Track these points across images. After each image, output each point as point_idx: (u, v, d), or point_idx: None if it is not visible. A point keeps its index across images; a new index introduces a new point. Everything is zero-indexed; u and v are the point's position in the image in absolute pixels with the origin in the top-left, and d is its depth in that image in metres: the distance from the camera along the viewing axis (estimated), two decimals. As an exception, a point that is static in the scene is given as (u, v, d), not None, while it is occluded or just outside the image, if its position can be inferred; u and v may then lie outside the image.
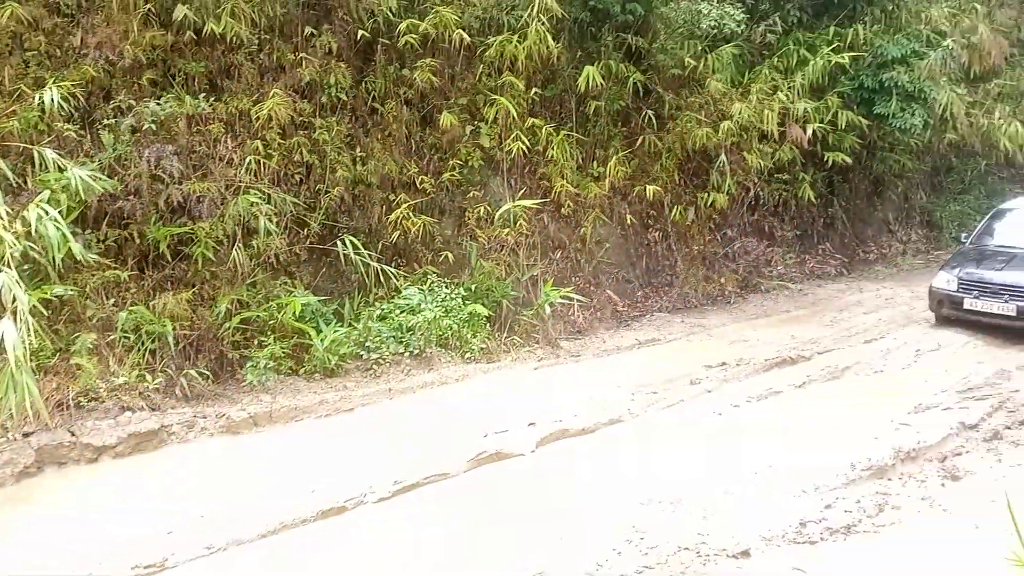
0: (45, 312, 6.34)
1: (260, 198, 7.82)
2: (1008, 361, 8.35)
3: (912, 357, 8.70)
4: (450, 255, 9.09)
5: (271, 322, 7.74)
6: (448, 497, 5.43)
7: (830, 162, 12.07)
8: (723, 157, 11.13)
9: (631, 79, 10.57)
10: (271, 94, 8.08)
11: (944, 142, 14.18)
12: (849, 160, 12.21)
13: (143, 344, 7.02)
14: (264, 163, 8.07)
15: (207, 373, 7.30)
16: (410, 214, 8.77)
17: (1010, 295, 9.13)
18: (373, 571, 4.53)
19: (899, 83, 11.83)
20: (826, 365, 8.42)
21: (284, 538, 4.89)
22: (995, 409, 6.92)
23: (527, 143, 9.55)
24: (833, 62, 11.50)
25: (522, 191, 9.83)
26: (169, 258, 7.56)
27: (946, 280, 9.81)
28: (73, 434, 6.01)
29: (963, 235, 11.13)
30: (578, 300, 9.78)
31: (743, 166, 11.43)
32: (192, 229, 7.55)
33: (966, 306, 9.44)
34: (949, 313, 9.71)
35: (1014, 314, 9.02)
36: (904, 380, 7.97)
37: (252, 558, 4.68)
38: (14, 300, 5.55)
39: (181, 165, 7.60)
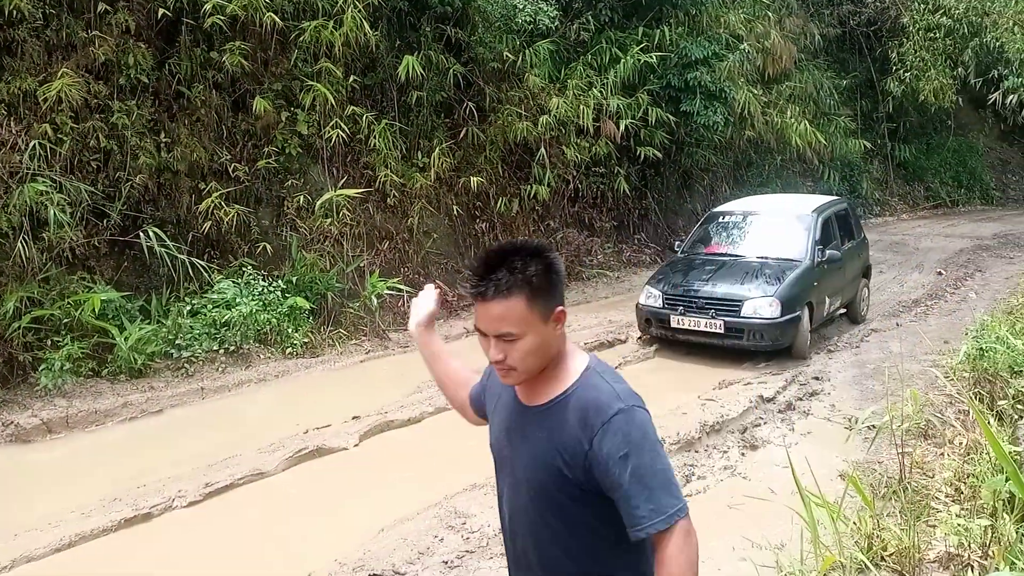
0: None
1: (50, 186, 7.16)
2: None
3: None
4: (268, 246, 8.72)
5: (67, 320, 7.12)
6: (263, 497, 5.24)
7: (642, 157, 12.70)
8: (543, 150, 11.44)
9: (452, 70, 10.62)
10: (60, 74, 7.40)
11: (744, 139, 15.28)
12: (660, 155, 12.89)
13: (-90, 349, 6.27)
14: (54, 149, 7.39)
15: (-8, 378, 6.63)
16: (223, 203, 8.31)
17: (716, 310, 8.21)
18: (177, 573, 4.29)
19: (702, 82, 12.63)
20: (640, 347, 8.87)
21: (82, 551, 4.53)
22: (788, 383, 7.54)
23: (347, 131, 9.33)
24: (643, 61, 12.10)
25: (344, 180, 9.61)
26: (-58, 253, 6.79)
27: (651, 296, 8.72)
28: None
29: (676, 243, 10.15)
30: (407, 291, 9.70)
31: (562, 159, 11.81)
32: (-31, 221, 6.82)
33: (673, 324, 8.40)
34: (658, 332, 8.67)
35: (722, 331, 8.14)
36: (711, 357, 8.42)
37: (44, 575, 4.29)
38: None
39: (-47, 150, 6.86)
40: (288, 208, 9.19)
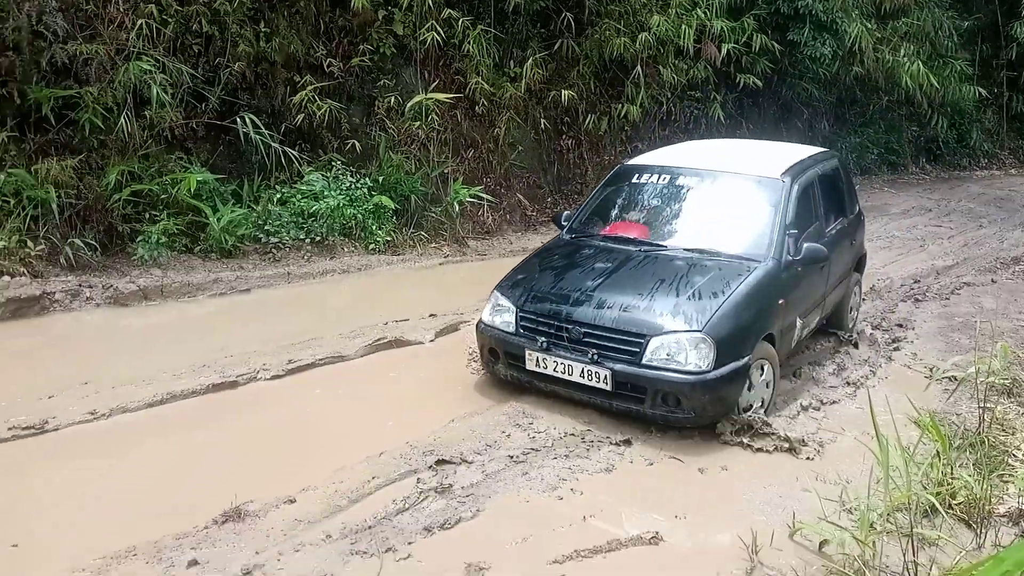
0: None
1: (154, 66, 7.34)
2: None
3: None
4: (357, 144, 8.83)
5: (164, 197, 7.42)
6: (342, 378, 5.45)
7: (741, 84, 12.20)
8: (639, 69, 11.09)
9: (553, -23, 10.32)
10: (168, -46, 7.50)
11: (851, 75, 14.46)
12: (760, 84, 12.34)
13: (24, 210, 6.62)
14: (159, 29, 7.55)
15: (94, 244, 7.00)
16: (316, 97, 8.41)
17: (599, 347, 4.77)
18: (260, 438, 4.56)
19: (813, 12, 12.00)
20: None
21: (172, 408, 4.83)
22: (873, 328, 7.30)
23: (442, 34, 9.23)
24: (753, -18, 11.53)
25: (435, 84, 9.56)
26: (53, 122, 7.07)
27: (499, 309, 5.27)
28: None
29: (565, 215, 6.30)
30: (488, 200, 9.73)
31: (657, 80, 11.44)
32: (79, 93, 7.08)
33: (529, 365, 5.00)
34: (508, 374, 5.22)
35: (608, 387, 4.73)
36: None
37: (138, 425, 4.60)
38: None
39: (66, 23, 7.08)
40: (379, 108, 9.24)
